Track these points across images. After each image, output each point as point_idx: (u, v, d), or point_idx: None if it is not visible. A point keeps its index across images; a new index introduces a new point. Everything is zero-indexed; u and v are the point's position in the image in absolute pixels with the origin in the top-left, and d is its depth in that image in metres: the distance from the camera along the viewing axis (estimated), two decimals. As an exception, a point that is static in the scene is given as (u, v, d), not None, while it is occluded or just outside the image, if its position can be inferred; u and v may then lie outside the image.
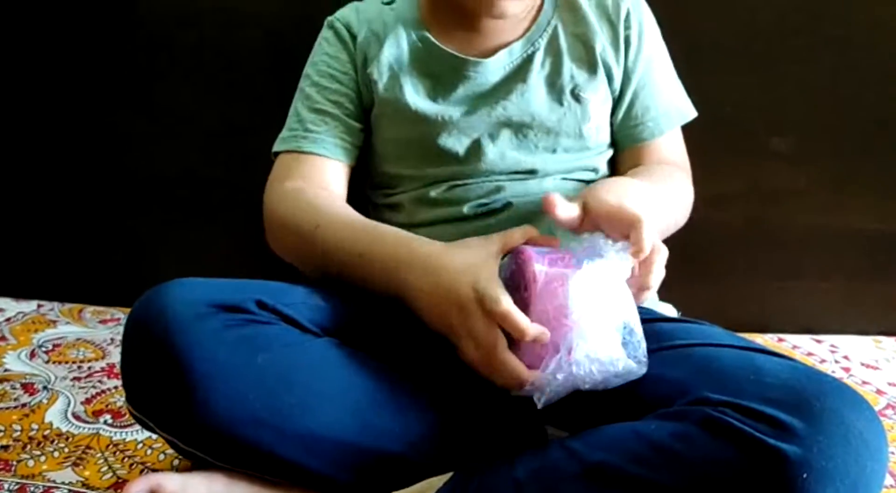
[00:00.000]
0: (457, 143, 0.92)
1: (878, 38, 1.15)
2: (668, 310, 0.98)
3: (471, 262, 0.74)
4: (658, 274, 0.73)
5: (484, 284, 0.71)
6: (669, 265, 0.74)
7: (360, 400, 0.73)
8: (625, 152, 0.97)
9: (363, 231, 0.83)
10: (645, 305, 0.92)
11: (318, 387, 0.72)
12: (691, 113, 0.99)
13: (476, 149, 0.92)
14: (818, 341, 1.20)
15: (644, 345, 0.71)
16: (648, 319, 0.82)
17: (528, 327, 0.69)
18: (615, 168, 0.98)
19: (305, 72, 0.99)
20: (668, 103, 0.97)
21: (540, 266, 0.71)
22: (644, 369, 0.70)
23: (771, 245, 1.21)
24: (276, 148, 0.96)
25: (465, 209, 0.92)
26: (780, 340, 1.20)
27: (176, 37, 1.19)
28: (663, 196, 0.88)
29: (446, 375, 0.78)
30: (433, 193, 0.93)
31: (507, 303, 0.70)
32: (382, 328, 0.80)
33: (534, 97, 0.92)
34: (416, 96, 0.93)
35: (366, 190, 1.01)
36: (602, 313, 0.69)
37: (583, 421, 0.73)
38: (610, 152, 0.97)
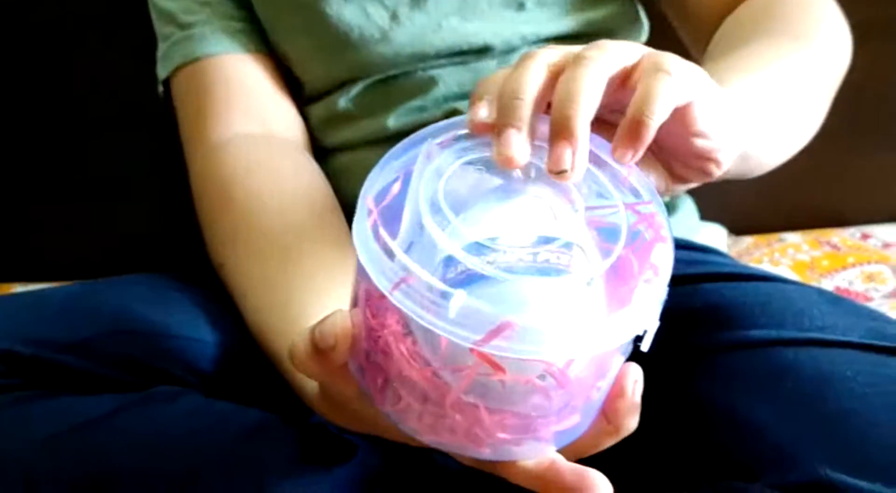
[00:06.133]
0: (359, 12, 0.63)
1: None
2: (717, 235, 0.69)
3: None
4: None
5: None
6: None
7: None
8: None
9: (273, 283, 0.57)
10: (682, 233, 0.63)
11: None
12: None
13: (392, 19, 0.62)
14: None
15: None
16: (691, 275, 0.53)
17: None
18: (651, 36, 0.68)
19: None
20: None
21: None
22: None
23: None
24: (161, 71, 0.71)
25: (391, 122, 0.63)
26: (865, 236, 0.90)
27: None
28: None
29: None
30: (343, 102, 0.65)
31: None
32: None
33: None
34: None
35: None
36: None
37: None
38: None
